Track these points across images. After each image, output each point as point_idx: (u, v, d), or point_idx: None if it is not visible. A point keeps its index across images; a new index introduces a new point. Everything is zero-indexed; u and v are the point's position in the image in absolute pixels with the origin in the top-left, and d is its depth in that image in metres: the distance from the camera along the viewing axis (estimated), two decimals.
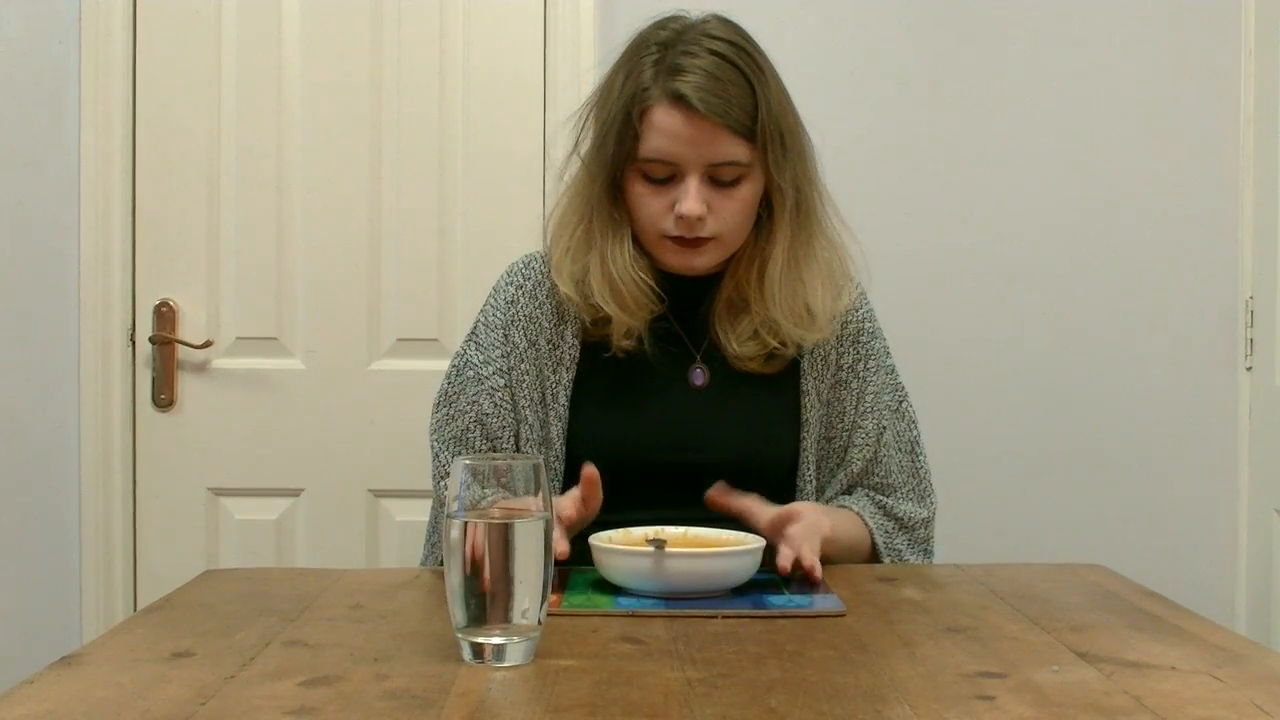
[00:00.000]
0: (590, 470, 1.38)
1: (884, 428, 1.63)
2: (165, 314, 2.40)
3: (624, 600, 1.28)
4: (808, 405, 1.60)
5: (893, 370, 1.67)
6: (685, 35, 1.50)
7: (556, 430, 1.57)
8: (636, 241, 1.56)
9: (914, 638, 1.16)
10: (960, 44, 2.40)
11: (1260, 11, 2.34)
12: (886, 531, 1.59)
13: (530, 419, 1.57)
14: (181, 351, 2.42)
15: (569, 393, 1.57)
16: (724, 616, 1.23)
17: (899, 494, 1.63)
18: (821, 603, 1.28)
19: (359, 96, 2.41)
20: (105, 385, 2.38)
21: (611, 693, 0.98)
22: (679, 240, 1.52)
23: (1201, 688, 1.00)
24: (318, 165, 2.41)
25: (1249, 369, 2.38)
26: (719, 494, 1.46)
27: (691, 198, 1.48)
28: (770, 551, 1.38)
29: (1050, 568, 1.52)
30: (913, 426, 1.67)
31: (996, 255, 2.40)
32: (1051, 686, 1.00)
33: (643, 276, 1.54)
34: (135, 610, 2.34)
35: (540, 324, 1.59)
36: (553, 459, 1.56)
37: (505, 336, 1.59)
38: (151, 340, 2.40)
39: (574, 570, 1.38)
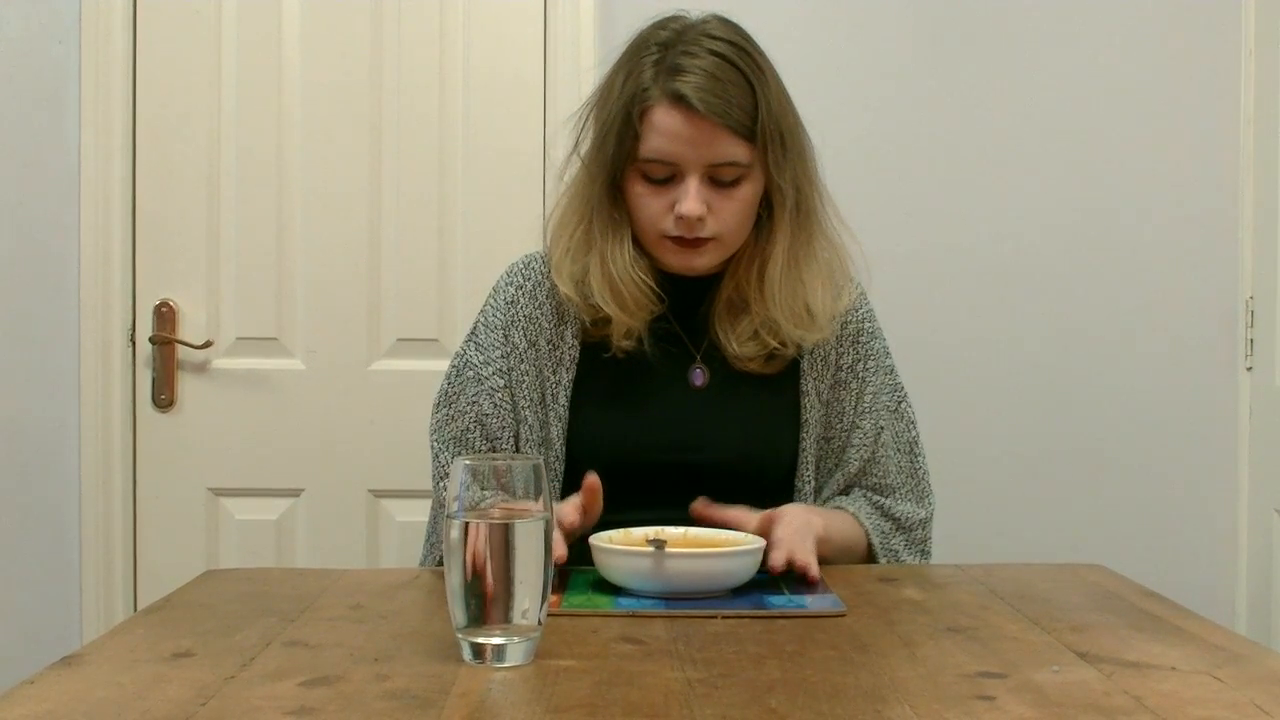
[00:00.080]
0: (593, 479, 1.38)
1: (882, 428, 1.63)
2: (165, 314, 2.40)
3: (624, 600, 1.28)
4: (807, 405, 1.60)
5: (892, 370, 1.67)
6: (685, 35, 1.50)
7: (556, 431, 1.57)
8: (636, 242, 1.56)
9: (914, 638, 1.16)
10: (960, 44, 2.40)
11: (1260, 11, 2.34)
12: (883, 532, 1.59)
13: (530, 419, 1.57)
14: (181, 351, 2.42)
15: (569, 393, 1.57)
16: (724, 617, 1.23)
17: (897, 494, 1.63)
18: (821, 603, 1.28)
19: (359, 96, 2.41)
20: (105, 385, 2.38)
21: (611, 693, 0.98)
22: (679, 240, 1.52)
23: (1201, 688, 1.00)
24: (318, 165, 2.41)
25: (1249, 369, 2.38)
26: (703, 507, 1.46)
27: (691, 198, 1.48)
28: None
29: (1050, 568, 1.52)
30: (911, 427, 1.66)
31: (996, 255, 2.40)
32: (1052, 686, 1.00)
33: (642, 277, 1.54)
34: (135, 610, 2.34)
35: (540, 324, 1.59)
36: (553, 459, 1.56)
37: (505, 337, 1.59)
38: (151, 340, 2.40)
39: (574, 570, 1.38)
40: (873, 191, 2.36)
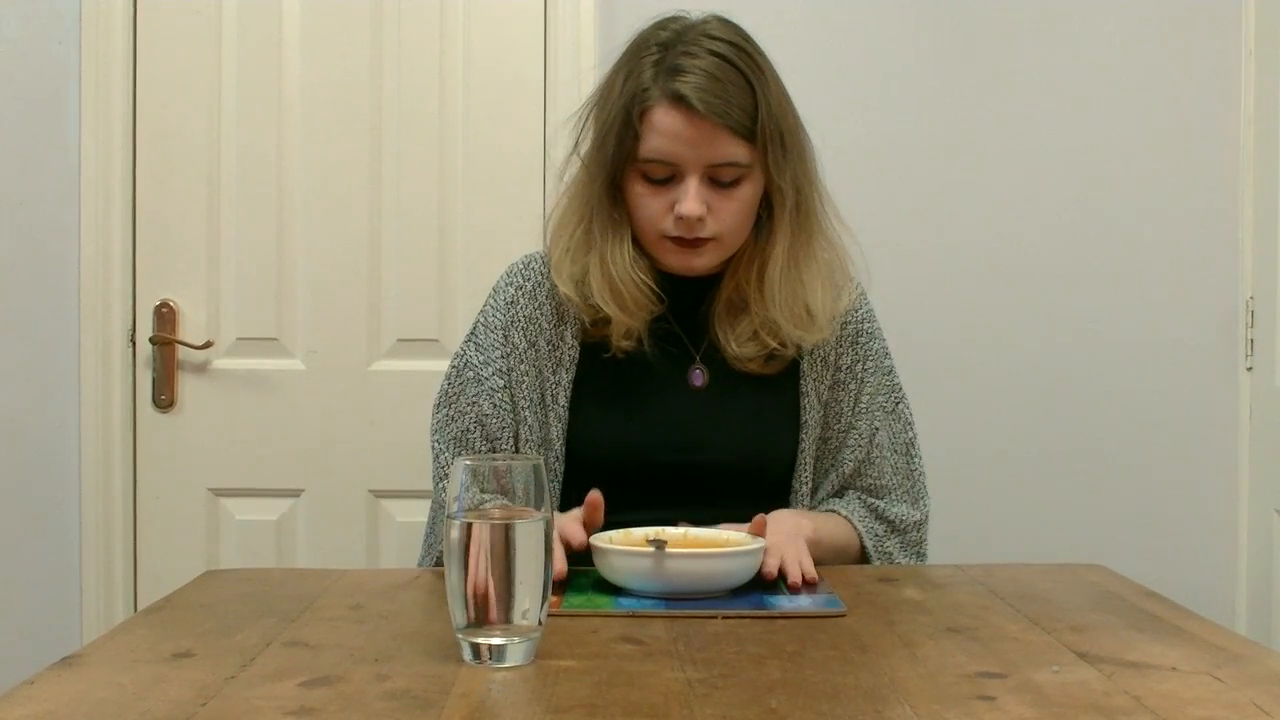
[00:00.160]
0: (595, 495, 1.38)
1: (877, 429, 1.62)
2: (165, 314, 2.40)
3: (624, 600, 1.28)
4: (807, 406, 1.60)
5: (890, 371, 1.67)
6: (685, 36, 1.50)
7: (556, 431, 1.57)
8: (636, 242, 1.56)
9: (914, 638, 1.16)
10: (960, 44, 2.40)
11: (1260, 12, 2.34)
12: (877, 535, 1.59)
13: (530, 420, 1.57)
14: (182, 352, 2.42)
15: (569, 393, 1.57)
16: (724, 617, 1.23)
17: (892, 496, 1.63)
18: (822, 603, 1.28)
19: (359, 96, 2.41)
20: (105, 386, 2.38)
21: (612, 693, 0.98)
22: (679, 241, 1.52)
23: (1202, 688, 1.00)
24: (318, 165, 2.41)
25: (1249, 369, 2.38)
26: None
27: (691, 198, 1.48)
28: None
29: (1050, 568, 1.52)
30: (908, 428, 1.66)
31: (996, 255, 2.40)
32: (1052, 687, 1.00)
33: (642, 277, 1.54)
34: (135, 611, 2.34)
35: (540, 325, 1.59)
36: (552, 459, 1.56)
37: (505, 337, 1.59)
38: (152, 341, 2.40)
39: (574, 571, 1.38)
40: (873, 191, 2.36)
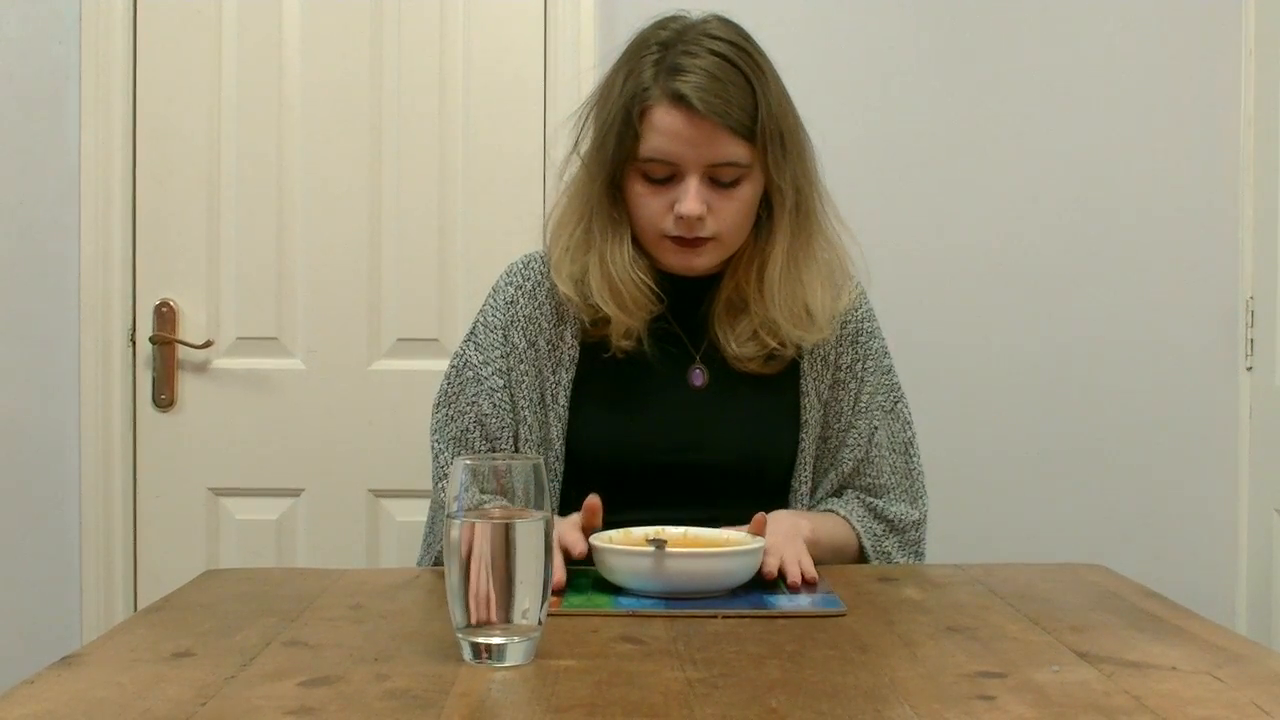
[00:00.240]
0: (594, 500, 1.38)
1: (876, 428, 1.62)
2: (165, 314, 2.40)
3: (624, 600, 1.28)
4: (807, 406, 1.60)
5: (890, 370, 1.67)
6: (686, 35, 1.50)
7: (556, 431, 1.57)
8: (636, 241, 1.56)
9: (914, 638, 1.16)
10: (960, 44, 2.40)
11: (1260, 11, 2.34)
12: (875, 535, 1.59)
13: (530, 419, 1.57)
14: (182, 351, 2.42)
15: (568, 393, 1.57)
16: (724, 616, 1.23)
17: (890, 495, 1.63)
18: (822, 603, 1.28)
19: (359, 96, 2.41)
20: (105, 385, 2.37)
21: (611, 693, 0.98)
22: (678, 240, 1.52)
23: (1202, 688, 1.00)
24: (318, 165, 2.41)
25: (1249, 369, 2.38)
26: None
27: (691, 198, 1.48)
28: None
29: (1050, 568, 1.52)
30: (907, 427, 1.66)
31: (996, 255, 2.40)
32: (1052, 686, 1.00)
33: (642, 277, 1.54)
34: (135, 610, 2.34)
35: (540, 324, 1.59)
36: (552, 459, 1.56)
37: (505, 337, 1.59)
38: (152, 340, 2.40)
39: (574, 570, 1.38)
40: (873, 191, 2.35)
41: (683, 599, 1.27)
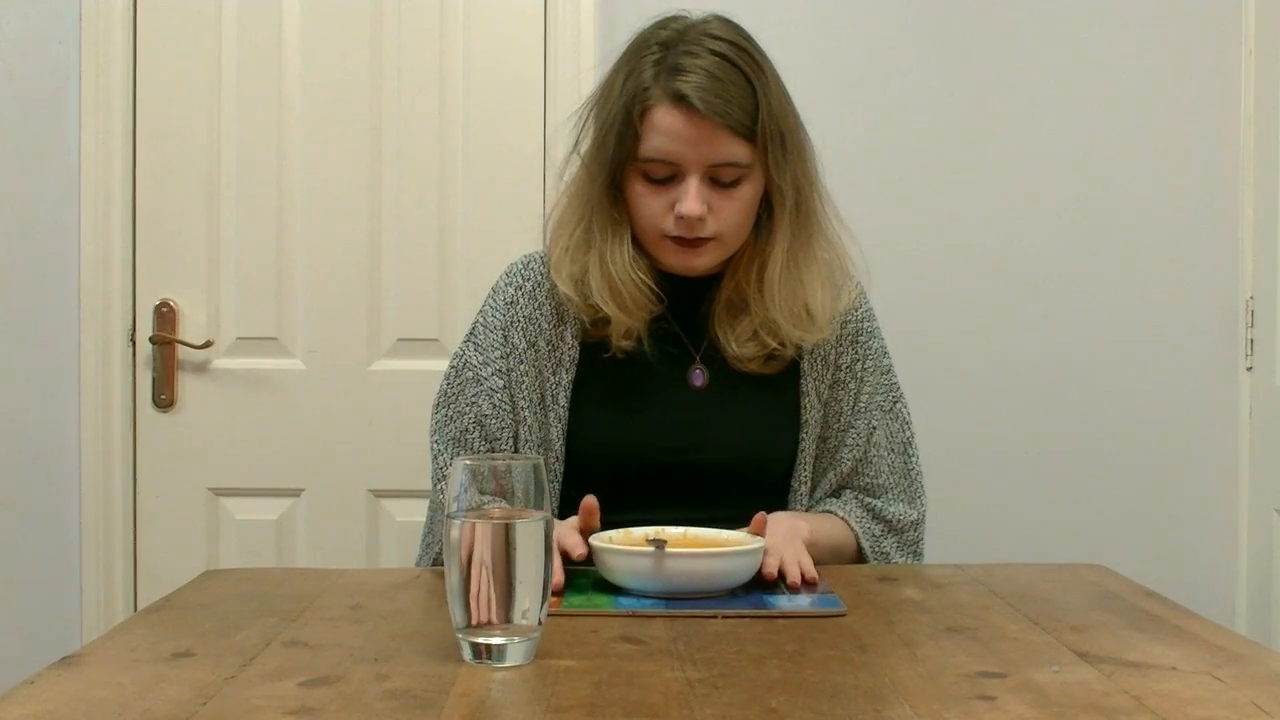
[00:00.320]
0: (590, 500, 1.38)
1: (875, 428, 1.62)
2: (165, 314, 2.40)
3: (624, 600, 1.28)
4: (807, 406, 1.60)
5: (889, 371, 1.67)
6: (686, 35, 1.50)
7: (556, 431, 1.57)
8: (636, 241, 1.56)
9: (914, 638, 1.16)
10: (960, 45, 2.40)
11: (1260, 11, 2.34)
12: (874, 535, 1.59)
13: (529, 420, 1.57)
14: (182, 352, 2.42)
15: (568, 394, 1.57)
16: (724, 616, 1.23)
17: (888, 495, 1.63)
18: (822, 603, 1.28)
19: (359, 96, 2.41)
20: (105, 385, 2.37)
21: (611, 693, 0.98)
22: (679, 240, 1.52)
23: (1202, 688, 1.00)
24: (318, 165, 2.41)
25: (1249, 369, 2.38)
26: None
27: (692, 198, 1.48)
28: None
29: (1050, 568, 1.52)
30: (906, 427, 1.66)
31: (996, 255, 2.40)
32: (1052, 686, 1.00)
33: (642, 277, 1.54)
34: (135, 610, 2.34)
35: (539, 325, 1.59)
36: (552, 460, 1.56)
37: (504, 337, 1.59)
38: (152, 340, 2.40)
39: (574, 571, 1.38)
40: (873, 191, 2.35)
41: (683, 599, 1.27)
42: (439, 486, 1.59)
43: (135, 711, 0.93)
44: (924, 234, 2.39)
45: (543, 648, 1.08)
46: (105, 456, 2.37)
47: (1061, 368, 2.40)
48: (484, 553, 1.04)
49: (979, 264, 2.40)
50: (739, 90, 1.47)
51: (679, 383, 1.59)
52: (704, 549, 1.32)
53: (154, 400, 2.41)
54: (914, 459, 1.66)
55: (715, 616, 1.23)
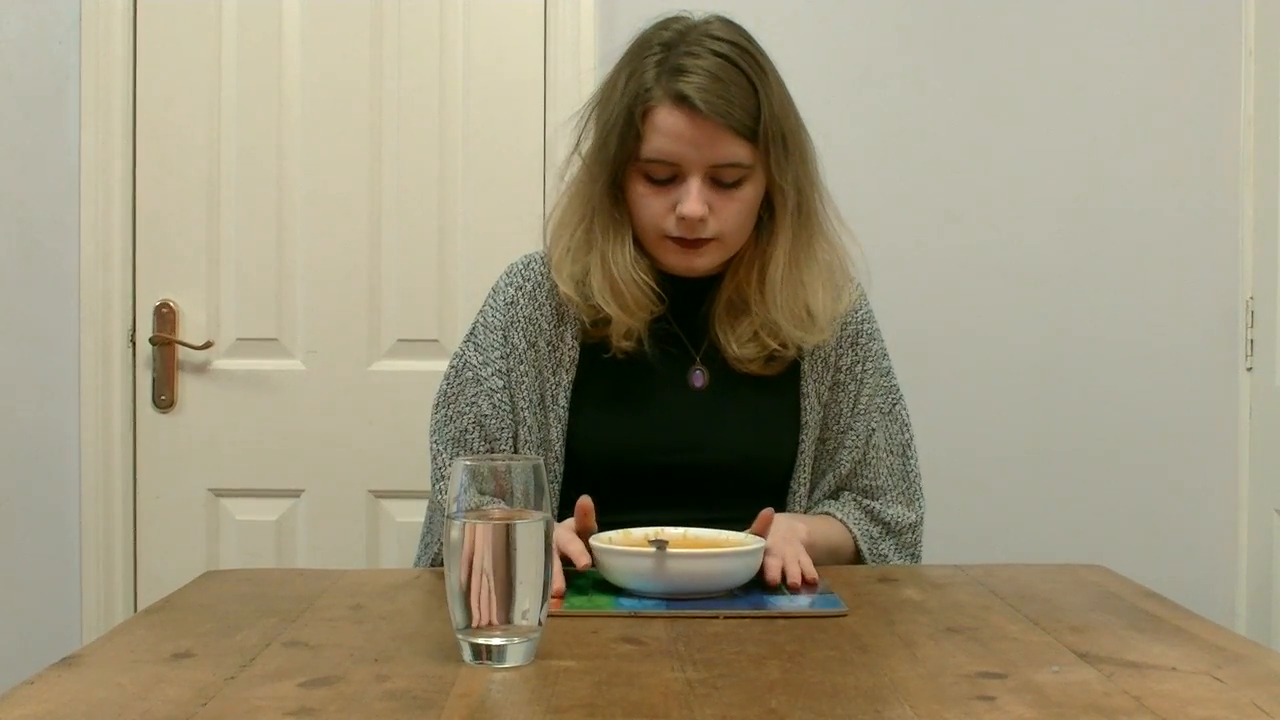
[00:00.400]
0: (585, 501, 1.38)
1: (874, 430, 1.62)
2: (165, 315, 2.40)
3: (625, 601, 1.28)
4: (807, 407, 1.60)
5: (889, 373, 1.67)
6: (688, 36, 1.50)
7: (556, 432, 1.56)
8: (637, 242, 1.56)
9: (914, 638, 1.16)
10: (960, 45, 2.40)
11: (1260, 11, 2.34)
12: (871, 537, 1.59)
13: (529, 420, 1.57)
14: (182, 352, 2.42)
15: (569, 394, 1.57)
16: (725, 617, 1.23)
17: (887, 497, 1.63)
18: (822, 603, 1.28)
19: (359, 96, 2.41)
20: (105, 386, 2.37)
21: (611, 693, 0.98)
22: (680, 241, 1.52)
23: (1202, 688, 1.00)
24: (318, 165, 2.41)
25: (1249, 369, 2.38)
26: None
27: (693, 199, 1.48)
28: None
29: (1050, 568, 1.52)
30: (905, 429, 1.66)
31: (996, 256, 2.40)
32: (1052, 687, 1.00)
33: (643, 277, 1.54)
34: (135, 611, 2.34)
35: (540, 325, 1.59)
36: (552, 460, 1.56)
37: (504, 338, 1.59)
38: (152, 341, 2.40)
39: (574, 571, 1.38)
40: (873, 191, 2.35)
41: (683, 599, 1.27)
42: (438, 486, 1.59)
43: (135, 712, 0.93)
44: (924, 234, 2.39)
45: (543, 648, 1.08)
46: (105, 457, 2.37)
47: (1061, 368, 2.40)
48: (484, 553, 1.04)
49: (979, 264, 2.40)
50: (741, 91, 1.47)
51: (679, 383, 1.59)
52: (704, 549, 1.32)
53: (154, 401, 2.41)
54: (913, 461, 1.66)
55: (716, 617, 1.23)
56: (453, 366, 1.62)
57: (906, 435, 1.66)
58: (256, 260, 2.41)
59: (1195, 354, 2.40)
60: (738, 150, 1.48)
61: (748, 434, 1.58)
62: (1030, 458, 2.40)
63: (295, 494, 2.43)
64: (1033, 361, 2.40)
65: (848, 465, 1.61)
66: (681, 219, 1.49)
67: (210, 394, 2.42)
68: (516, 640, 1.05)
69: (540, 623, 1.07)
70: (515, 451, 1.57)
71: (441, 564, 1.31)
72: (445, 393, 1.61)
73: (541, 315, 1.60)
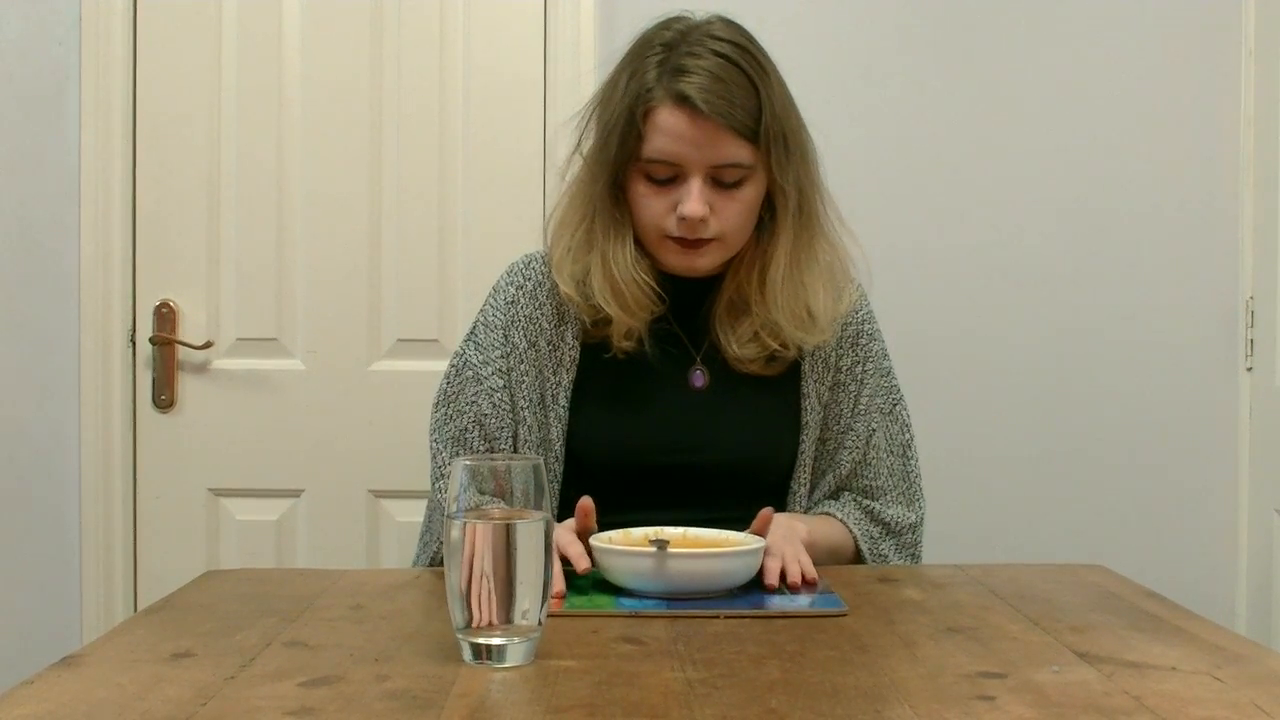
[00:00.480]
0: (585, 501, 1.38)
1: (874, 430, 1.62)
2: (165, 315, 2.40)
3: (625, 601, 1.28)
4: (808, 408, 1.60)
5: (889, 373, 1.67)
6: (689, 36, 1.50)
7: (556, 431, 1.57)
8: (638, 242, 1.56)
9: (914, 638, 1.16)
10: (961, 45, 2.40)
11: (1260, 12, 2.34)
12: (872, 538, 1.59)
13: (529, 420, 1.57)
14: (182, 352, 2.42)
15: (569, 394, 1.57)
16: (725, 617, 1.23)
17: (887, 498, 1.63)
18: (822, 603, 1.28)
19: (359, 96, 2.41)
20: (105, 386, 2.37)
21: (611, 693, 0.98)
22: (681, 241, 1.52)
23: (1202, 688, 1.00)
24: (318, 165, 2.41)
25: (1249, 369, 2.38)
26: None
27: (694, 199, 1.48)
28: None
29: (1050, 568, 1.52)
30: (905, 430, 1.66)
31: (997, 256, 2.40)
32: (1052, 687, 1.00)
33: (644, 277, 1.54)
34: (135, 611, 2.34)
35: (540, 325, 1.59)
36: (552, 460, 1.56)
37: (505, 337, 1.59)
38: (152, 341, 2.40)
39: (574, 571, 1.38)
40: (873, 191, 2.35)
41: (683, 599, 1.27)
42: (438, 486, 1.59)
43: (135, 712, 0.93)
44: (924, 234, 2.39)
45: (543, 648, 1.08)
46: (105, 457, 2.37)
47: (1062, 368, 2.40)
48: (484, 553, 1.04)
49: (979, 264, 2.40)
50: (742, 91, 1.47)
51: (679, 383, 1.59)
52: (704, 549, 1.32)
53: (154, 401, 2.41)
54: (913, 461, 1.66)
55: (716, 617, 1.23)
56: (453, 366, 1.62)
57: (907, 435, 1.66)
58: (256, 260, 2.41)
59: (1195, 354, 2.40)
60: (739, 150, 1.48)
61: (748, 434, 1.58)
62: (1030, 458, 2.40)
63: (295, 494, 2.43)
64: (1032, 361, 2.40)
65: (848, 465, 1.61)
66: (682, 219, 1.49)
67: (210, 394, 2.42)
68: (516, 640, 1.05)
69: (540, 622, 1.07)
70: (515, 451, 1.57)
71: (440, 563, 1.32)
72: (445, 392, 1.61)
73: (542, 315, 1.60)
